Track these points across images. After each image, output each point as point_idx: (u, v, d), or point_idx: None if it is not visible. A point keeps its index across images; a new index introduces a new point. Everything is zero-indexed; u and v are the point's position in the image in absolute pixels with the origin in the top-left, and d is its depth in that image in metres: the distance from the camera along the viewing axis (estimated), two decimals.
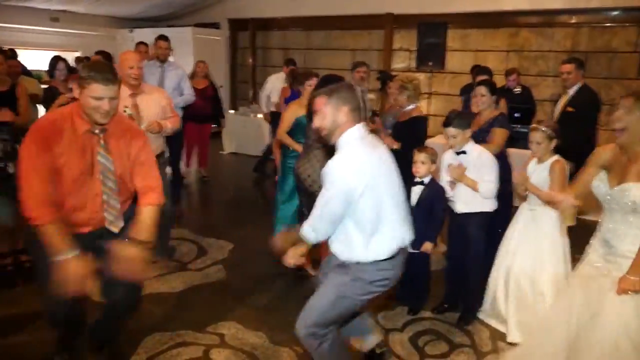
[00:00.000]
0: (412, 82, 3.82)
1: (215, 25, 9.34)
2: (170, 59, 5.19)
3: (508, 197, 3.37)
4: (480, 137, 3.30)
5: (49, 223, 1.98)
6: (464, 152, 3.00)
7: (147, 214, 2.22)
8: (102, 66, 2.11)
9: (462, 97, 4.45)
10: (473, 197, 2.99)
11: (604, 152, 2.20)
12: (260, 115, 7.50)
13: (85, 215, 2.20)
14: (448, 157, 3.12)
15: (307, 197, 3.27)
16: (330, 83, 3.10)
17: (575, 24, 6.60)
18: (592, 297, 2.15)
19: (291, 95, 5.16)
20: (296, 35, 8.97)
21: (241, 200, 5.91)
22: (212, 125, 6.60)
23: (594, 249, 2.26)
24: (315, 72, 3.86)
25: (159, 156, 3.37)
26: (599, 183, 2.16)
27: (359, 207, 2.04)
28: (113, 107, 2.09)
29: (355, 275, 2.11)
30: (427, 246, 3.06)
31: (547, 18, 6.75)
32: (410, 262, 3.12)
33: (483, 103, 3.39)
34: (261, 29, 9.26)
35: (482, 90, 3.37)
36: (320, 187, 2.13)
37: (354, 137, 2.09)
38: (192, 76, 5.83)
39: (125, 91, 3.08)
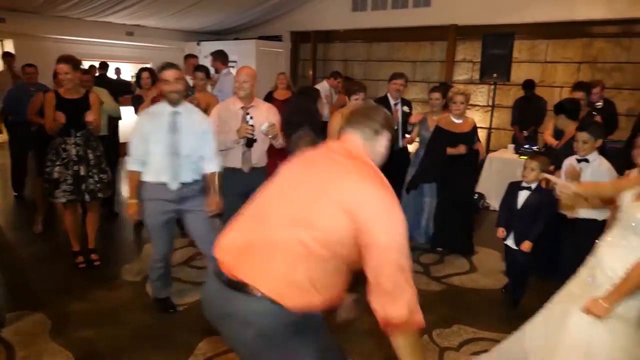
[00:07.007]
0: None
1: (277, 38, 9.56)
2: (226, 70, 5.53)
3: None
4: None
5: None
6: (586, 161, 3.06)
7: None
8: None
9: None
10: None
11: None
12: None
13: None
14: (569, 163, 3.20)
15: None
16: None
17: None
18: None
19: None
20: (357, 47, 9.00)
21: None
22: None
23: (586, 264, 2.25)
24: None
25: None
26: (627, 193, 2.12)
27: None
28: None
29: None
30: (526, 245, 3.21)
31: (626, 27, 6.35)
32: (514, 258, 3.34)
33: None
34: (322, 41, 9.38)
35: None
36: None
37: None
38: (274, 88, 5.85)
39: (237, 104, 3.42)
